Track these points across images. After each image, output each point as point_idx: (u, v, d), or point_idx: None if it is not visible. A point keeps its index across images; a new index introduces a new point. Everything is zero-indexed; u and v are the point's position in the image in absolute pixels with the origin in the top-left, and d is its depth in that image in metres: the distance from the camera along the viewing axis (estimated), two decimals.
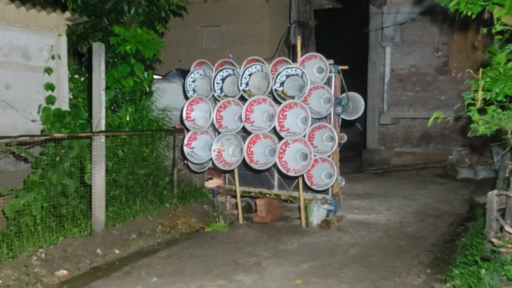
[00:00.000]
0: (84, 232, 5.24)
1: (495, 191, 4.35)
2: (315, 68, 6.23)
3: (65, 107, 6.23)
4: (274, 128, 5.98)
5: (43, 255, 4.61)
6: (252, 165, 6.11)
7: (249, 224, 6.60)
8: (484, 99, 3.96)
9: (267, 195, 6.73)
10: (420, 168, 11.35)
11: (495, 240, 4.11)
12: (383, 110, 12.15)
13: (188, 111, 6.62)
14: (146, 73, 7.30)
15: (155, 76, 8.05)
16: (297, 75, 5.99)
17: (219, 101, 6.46)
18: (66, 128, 5.93)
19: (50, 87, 6.02)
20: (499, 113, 3.86)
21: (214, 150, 6.37)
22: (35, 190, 5.19)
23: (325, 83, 6.07)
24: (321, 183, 6.05)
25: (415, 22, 11.63)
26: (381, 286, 4.26)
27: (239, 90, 6.30)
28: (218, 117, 6.38)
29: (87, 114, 6.25)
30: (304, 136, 5.97)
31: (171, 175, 7.02)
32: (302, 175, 6.08)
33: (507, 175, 4.56)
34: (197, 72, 6.77)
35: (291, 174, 5.98)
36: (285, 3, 12.97)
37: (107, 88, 6.63)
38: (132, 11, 7.93)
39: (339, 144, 6.25)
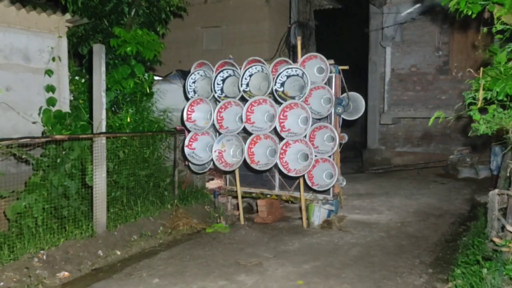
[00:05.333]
0: (85, 234, 5.24)
1: (496, 191, 4.35)
2: (316, 68, 6.23)
3: (66, 108, 6.23)
4: (275, 128, 5.98)
5: (44, 256, 4.61)
6: (253, 165, 6.11)
7: (250, 224, 6.60)
8: (484, 99, 3.96)
9: (268, 196, 6.73)
10: (421, 168, 11.34)
11: (496, 240, 4.11)
12: (384, 110, 12.14)
13: (188, 112, 6.62)
14: (146, 74, 7.31)
15: (156, 77, 8.05)
16: (297, 75, 5.98)
17: (219, 102, 6.46)
18: (67, 129, 5.93)
19: (50, 89, 6.02)
20: (500, 112, 3.86)
21: (215, 151, 6.37)
22: (36, 192, 5.19)
23: (325, 83, 6.06)
24: (322, 184, 6.05)
25: (415, 21, 11.62)
26: (382, 286, 4.26)
27: (239, 91, 6.30)
28: (218, 118, 6.38)
29: (88, 115, 6.25)
30: (305, 136, 5.97)
31: (172, 176, 7.02)
32: (303, 176, 6.08)
33: (508, 174, 4.55)
34: (198, 73, 6.78)
35: (292, 174, 5.98)
36: (285, 4, 12.96)
37: (108, 89, 6.64)
38: (132, 13, 7.93)
39: (340, 144, 6.25)
